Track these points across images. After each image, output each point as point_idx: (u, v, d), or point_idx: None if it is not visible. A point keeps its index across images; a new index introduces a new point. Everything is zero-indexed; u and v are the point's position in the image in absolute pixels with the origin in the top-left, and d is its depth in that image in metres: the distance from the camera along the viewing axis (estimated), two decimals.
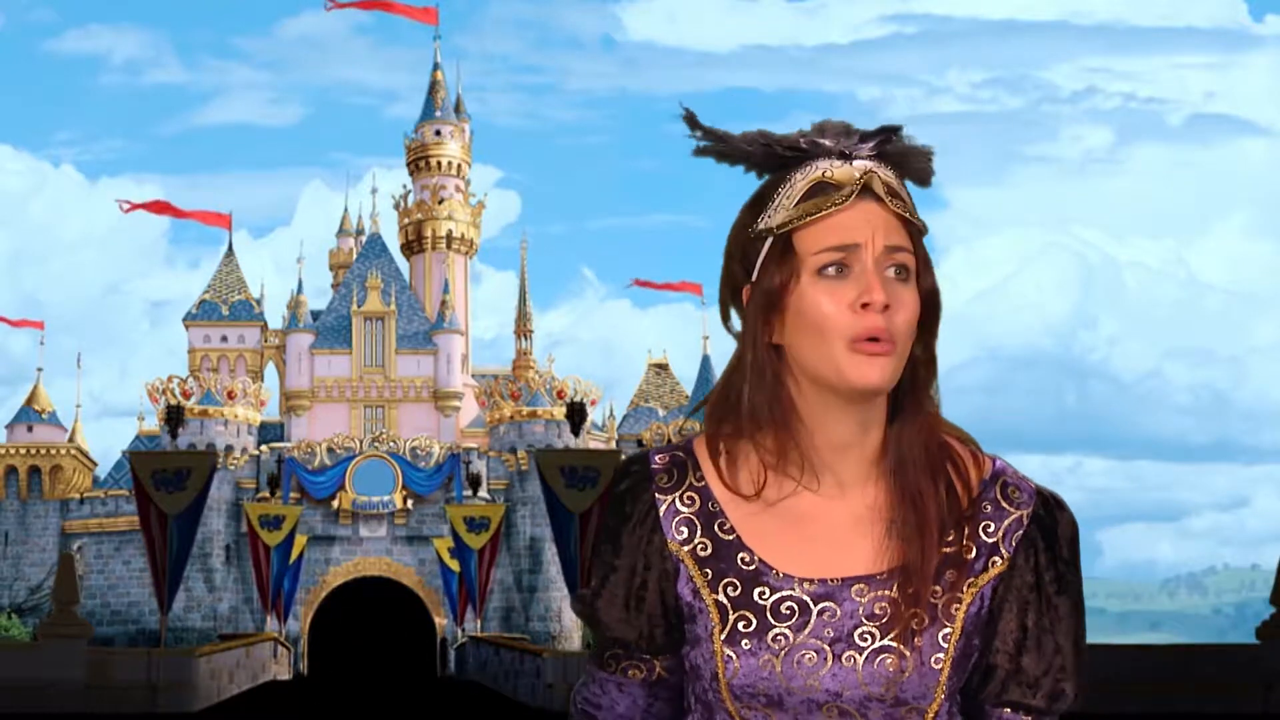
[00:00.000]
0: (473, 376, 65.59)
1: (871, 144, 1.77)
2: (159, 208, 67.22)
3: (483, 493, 56.01)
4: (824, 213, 1.72)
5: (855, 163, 1.75)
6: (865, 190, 1.73)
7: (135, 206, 65.31)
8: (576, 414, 57.56)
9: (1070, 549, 1.80)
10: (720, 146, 1.81)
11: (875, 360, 1.69)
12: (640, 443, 64.80)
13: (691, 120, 1.80)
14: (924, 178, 1.80)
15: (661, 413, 69.58)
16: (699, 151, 1.81)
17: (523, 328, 70.76)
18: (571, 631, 54.98)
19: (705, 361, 70.27)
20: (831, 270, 1.71)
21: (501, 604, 55.26)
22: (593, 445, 56.33)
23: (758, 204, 1.78)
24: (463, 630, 49.15)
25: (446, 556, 47.25)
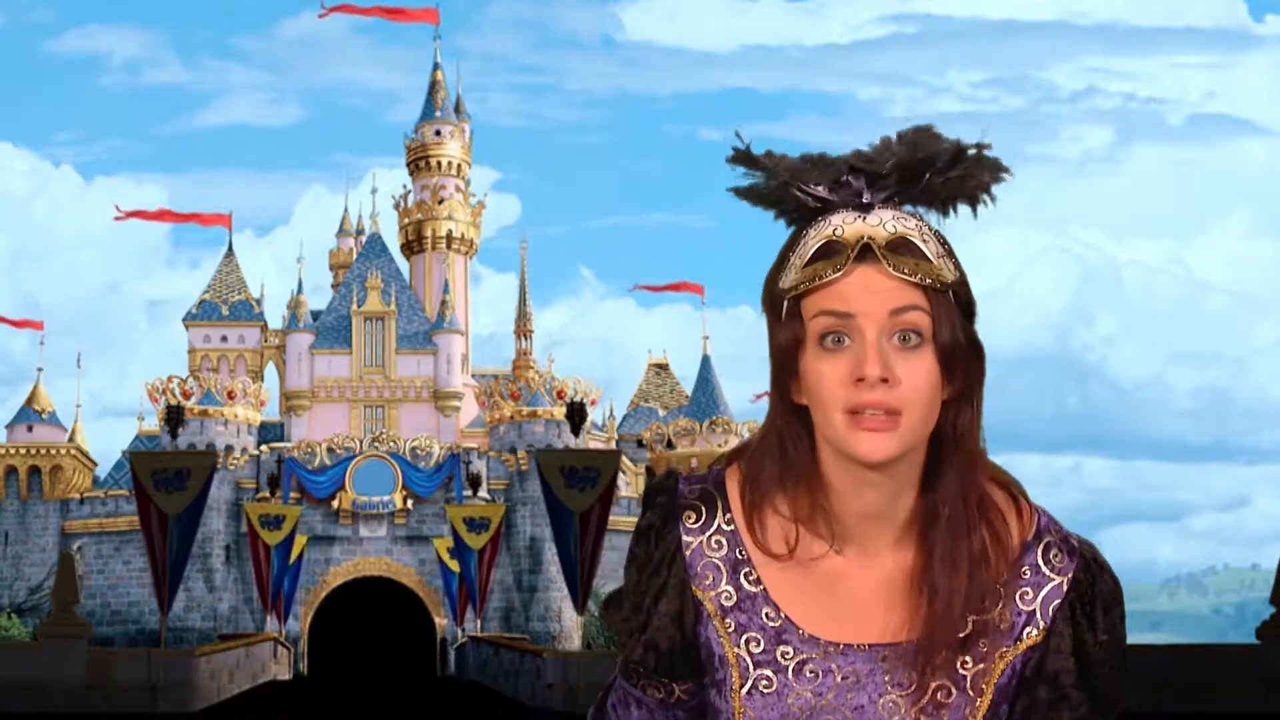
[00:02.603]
0: (473, 376, 65.57)
1: (897, 189, 1.69)
2: (159, 216, 67.33)
3: (483, 493, 55.99)
4: (823, 281, 1.65)
5: (870, 216, 1.67)
6: (865, 252, 1.65)
7: (133, 214, 65.35)
8: (576, 414, 57.54)
9: (1111, 612, 1.73)
10: (756, 190, 1.73)
11: (876, 435, 1.62)
12: (640, 443, 64.81)
13: (742, 158, 1.73)
14: (978, 198, 1.72)
15: (661, 413, 69.56)
16: (735, 192, 1.74)
17: (523, 328, 70.75)
18: (571, 631, 54.93)
19: (705, 361, 70.24)
20: (830, 340, 1.64)
21: (501, 604, 55.25)
22: (593, 445, 56.29)
23: (783, 254, 1.71)
24: (463, 630, 49.14)
25: (446, 556, 47.25)
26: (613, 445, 60.89)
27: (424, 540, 55.08)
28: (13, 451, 60.16)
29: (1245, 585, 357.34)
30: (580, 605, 28.79)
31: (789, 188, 1.71)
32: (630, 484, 58.68)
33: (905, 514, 1.70)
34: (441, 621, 54.86)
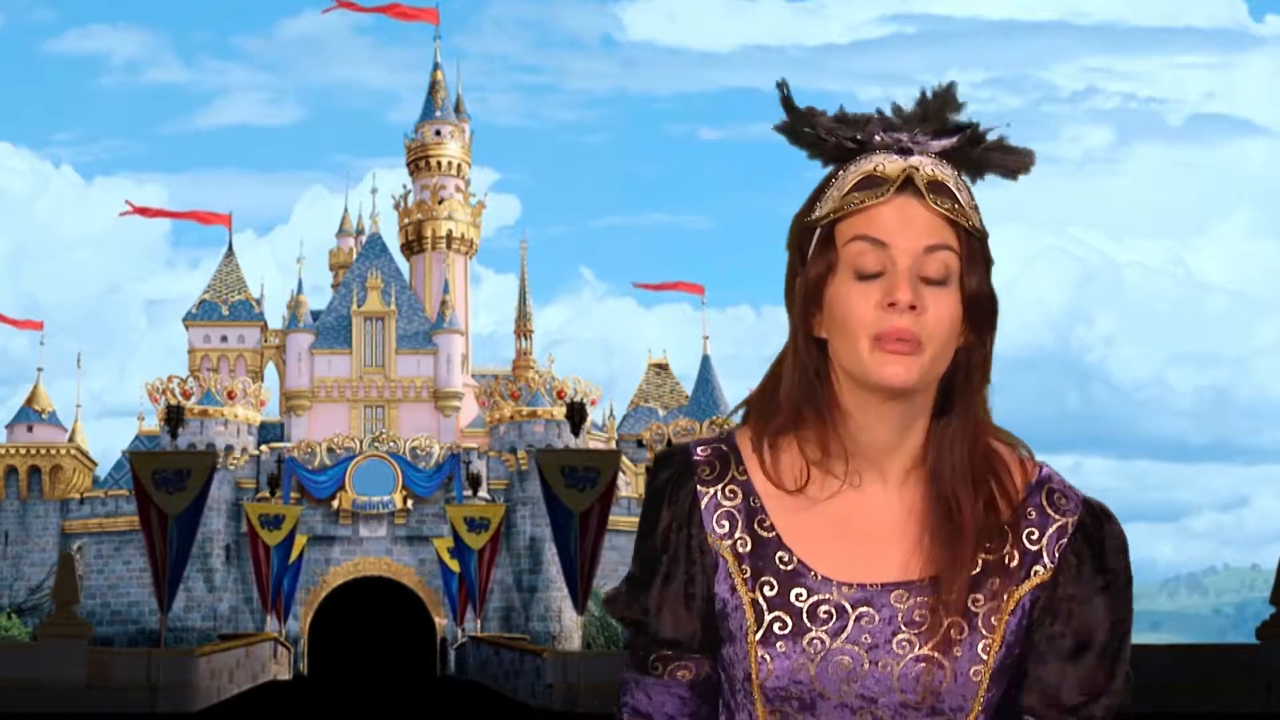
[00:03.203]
0: (473, 376, 65.59)
1: (936, 141, 1.74)
2: (159, 214, 67.43)
3: (483, 493, 56.00)
4: (861, 206, 1.70)
5: (912, 158, 1.72)
6: (907, 185, 1.70)
7: (137, 211, 65.47)
8: (576, 414, 57.56)
9: (1117, 559, 1.77)
10: (795, 127, 1.79)
11: (899, 359, 1.66)
12: (640, 443, 64.80)
13: (787, 101, 1.79)
14: (1012, 172, 1.78)
15: (661, 413, 69.54)
16: (777, 128, 1.79)
17: (523, 328, 70.74)
18: (571, 631, 54.95)
19: (705, 361, 70.25)
20: (865, 266, 1.68)
21: (501, 604, 55.26)
22: (593, 445, 56.31)
23: (816, 193, 1.77)
24: (463, 630, 49.16)
25: (446, 556, 47.26)
26: (613, 445, 60.88)
27: (424, 540, 55.09)
28: (13, 451, 60.19)
29: (1245, 585, 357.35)
30: (580, 605, 28.78)
31: (833, 134, 1.77)
32: (630, 484, 58.67)
33: (914, 450, 1.75)
34: (441, 621, 54.87)
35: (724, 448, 1.81)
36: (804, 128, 1.78)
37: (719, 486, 1.78)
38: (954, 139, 1.75)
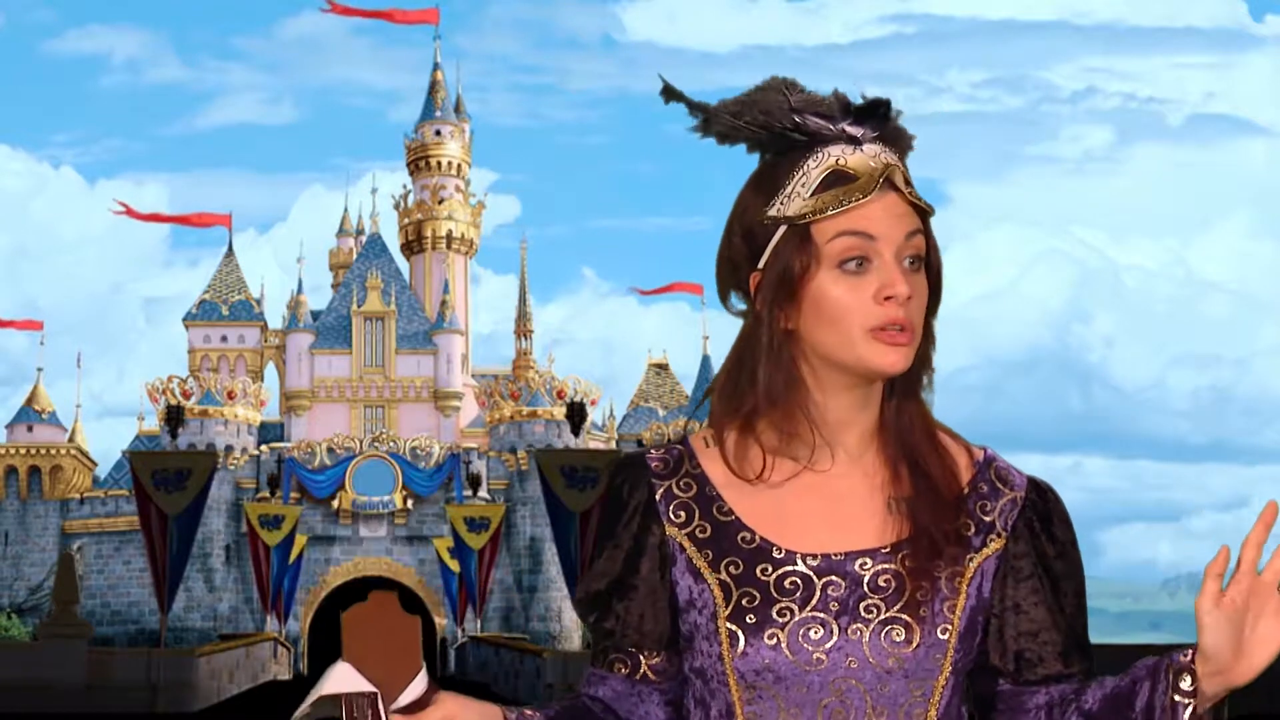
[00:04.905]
0: (473, 376, 65.59)
1: (875, 128, 1.78)
2: (157, 219, 67.46)
3: (483, 493, 56.02)
4: (847, 207, 1.73)
5: (864, 149, 1.76)
6: (886, 183, 1.75)
7: (135, 216, 65.49)
8: (576, 414, 57.56)
9: (1065, 529, 1.83)
10: (719, 127, 1.80)
11: (896, 348, 1.72)
12: (640, 443, 64.80)
13: (671, 92, 1.81)
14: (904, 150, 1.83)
15: (661, 413, 69.55)
16: (700, 132, 1.82)
17: (523, 328, 70.75)
18: (571, 631, 54.98)
19: (705, 361, 70.25)
20: (852, 264, 1.73)
21: (501, 604, 55.27)
22: (593, 445, 56.32)
23: (764, 186, 1.78)
24: (463, 630, 49.17)
25: (446, 556, 47.28)
26: (613, 445, 60.90)
27: (424, 540, 55.11)
28: (13, 451, 60.20)
29: None
30: None
31: (770, 126, 1.78)
32: None
33: (870, 425, 1.81)
34: (441, 621, 54.88)
35: (678, 448, 1.85)
36: (716, 126, 1.80)
37: (673, 481, 1.82)
38: (883, 120, 1.79)
